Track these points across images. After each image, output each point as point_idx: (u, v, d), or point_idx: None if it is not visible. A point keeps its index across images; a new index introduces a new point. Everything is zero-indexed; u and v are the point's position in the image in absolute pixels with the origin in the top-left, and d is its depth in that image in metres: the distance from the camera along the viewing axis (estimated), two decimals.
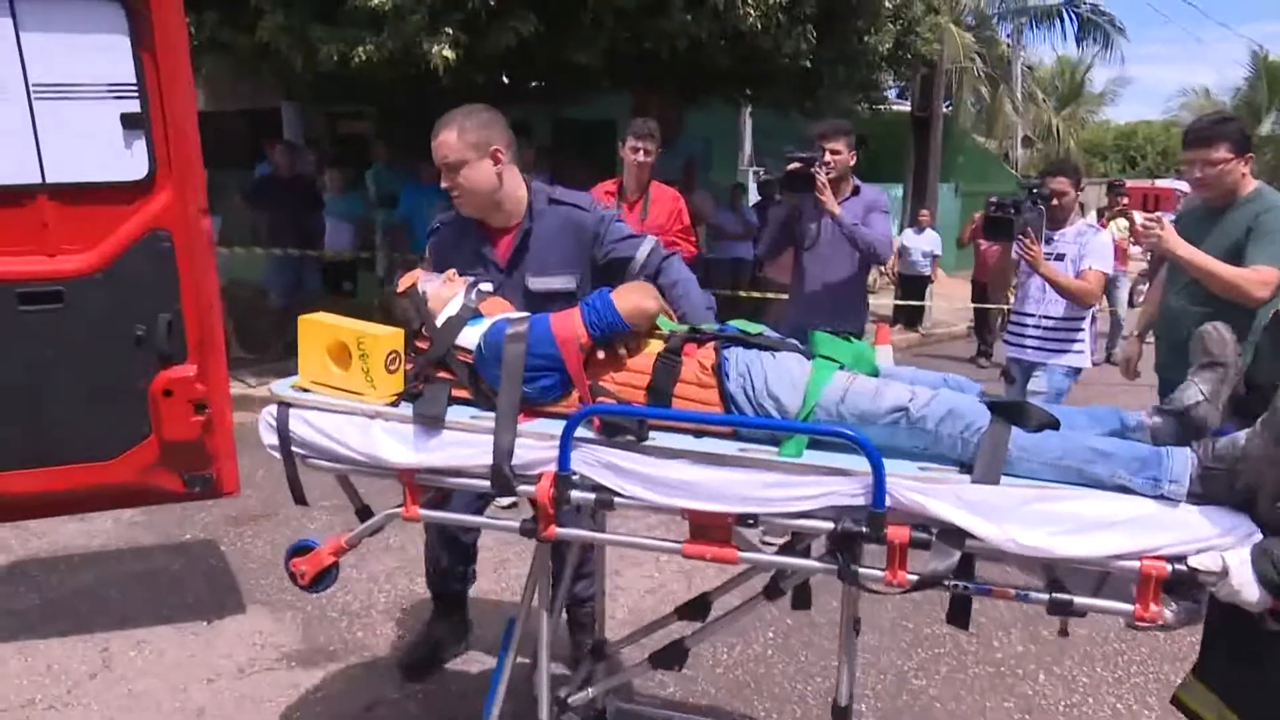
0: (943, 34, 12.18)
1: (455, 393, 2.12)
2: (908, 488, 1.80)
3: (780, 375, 2.04)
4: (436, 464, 2.04)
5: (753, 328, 2.24)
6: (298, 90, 9.75)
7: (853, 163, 4.37)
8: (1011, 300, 4.82)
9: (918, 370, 2.25)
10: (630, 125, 4.76)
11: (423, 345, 2.20)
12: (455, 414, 2.07)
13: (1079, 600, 1.82)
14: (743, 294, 9.35)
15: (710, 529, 1.98)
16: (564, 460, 1.96)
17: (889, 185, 11.50)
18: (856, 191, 4.37)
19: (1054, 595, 1.82)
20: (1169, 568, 1.69)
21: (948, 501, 1.77)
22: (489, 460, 1.99)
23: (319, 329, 2.19)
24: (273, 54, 6.87)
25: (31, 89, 2.95)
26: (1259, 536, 1.68)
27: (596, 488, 1.97)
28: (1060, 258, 4.31)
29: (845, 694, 2.24)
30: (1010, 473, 1.82)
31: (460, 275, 2.40)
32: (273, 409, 2.17)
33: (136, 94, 3.03)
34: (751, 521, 1.92)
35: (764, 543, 3.54)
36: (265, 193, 8.47)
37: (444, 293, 2.30)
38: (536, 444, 1.99)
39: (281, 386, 2.22)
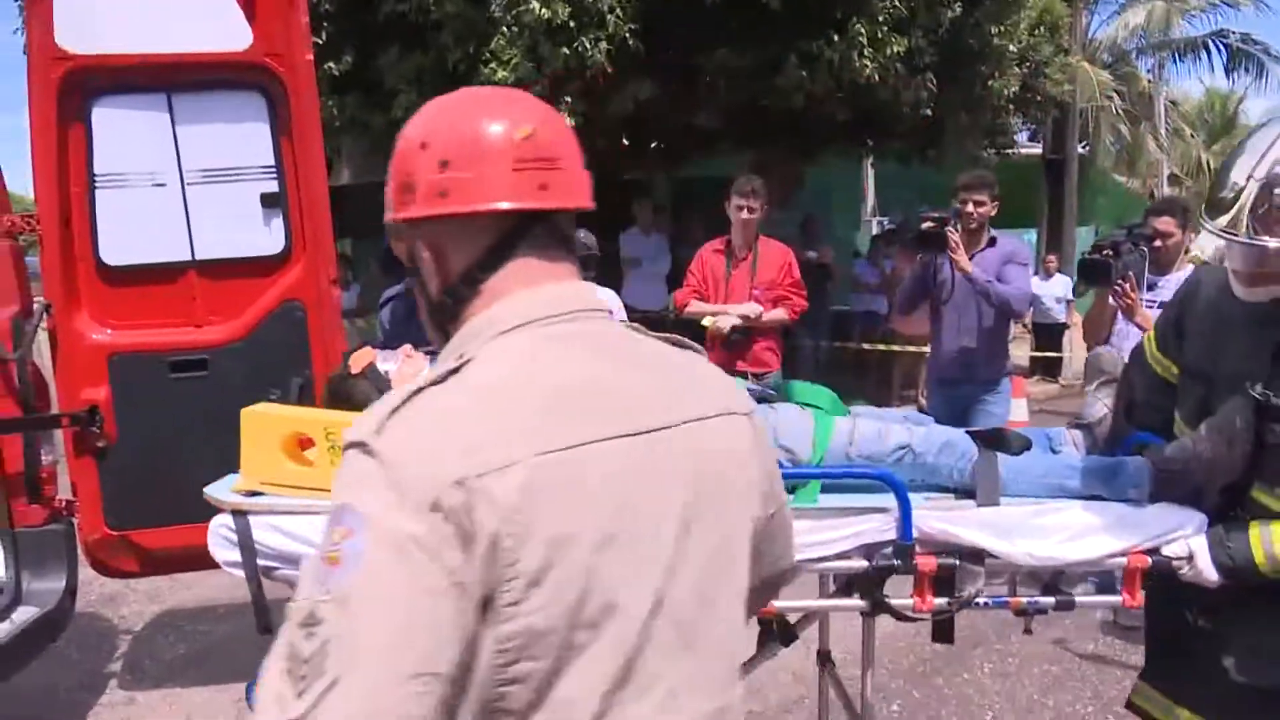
0: (1074, 74, 11.75)
1: None
2: (932, 518, 1.97)
3: (789, 427, 2.15)
4: None
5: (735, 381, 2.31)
6: None
7: (994, 213, 4.27)
8: None
9: (879, 410, 2.46)
10: (735, 183, 4.79)
11: None
12: None
13: (1080, 599, 2.08)
14: (867, 346, 9.15)
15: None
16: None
17: (1021, 230, 11.09)
18: (993, 242, 4.25)
19: (1059, 598, 2.08)
20: (1149, 559, 1.96)
21: (967, 526, 1.97)
22: None
23: (268, 422, 1.99)
24: None
25: (185, 175, 3.22)
26: (1206, 525, 1.96)
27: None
28: (1161, 306, 3.99)
29: None
30: (1005, 493, 2.04)
31: (416, 348, 2.31)
32: (227, 519, 1.94)
33: (275, 175, 3.26)
34: None
35: None
36: (396, 261, 8.91)
37: (407, 370, 2.22)
38: None
39: (221, 491, 2.01)
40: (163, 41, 3.10)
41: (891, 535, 1.95)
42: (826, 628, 2.59)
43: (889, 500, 1.95)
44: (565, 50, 6.38)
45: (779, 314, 4.75)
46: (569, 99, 6.53)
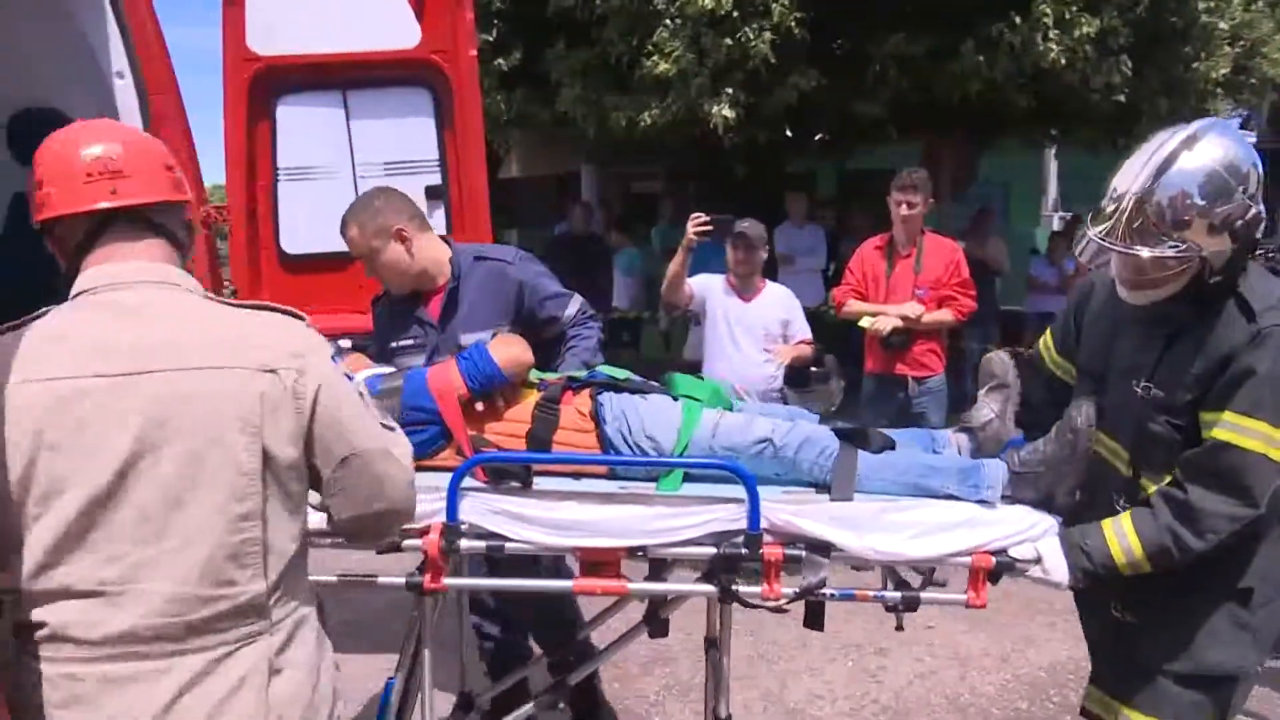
0: None
1: None
2: (780, 510, 2.04)
3: (656, 417, 2.23)
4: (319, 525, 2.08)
5: (620, 373, 2.43)
6: (594, 154, 10.45)
7: None
8: None
9: (765, 404, 2.56)
10: (896, 177, 4.57)
11: None
12: None
13: (924, 595, 2.11)
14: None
15: (602, 565, 2.12)
16: (452, 510, 2.02)
17: None
18: None
19: (904, 593, 2.11)
20: (994, 560, 2.01)
21: (815, 519, 2.03)
22: None
23: None
24: (570, 122, 7.42)
25: (357, 168, 3.38)
26: (1058, 528, 2.02)
27: (485, 536, 2.05)
28: None
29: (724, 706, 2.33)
30: (862, 489, 2.10)
31: (399, 339, 2.62)
32: None
33: (439, 168, 3.38)
34: (640, 554, 2.09)
35: None
36: (559, 251, 9.11)
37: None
38: (423, 497, 1.90)
39: None
40: (340, 41, 3.28)
41: (741, 525, 2.01)
42: (715, 617, 2.54)
43: (744, 491, 2.00)
44: (728, 41, 6.30)
45: (943, 315, 4.51)
46: (729, 90, 6.44)
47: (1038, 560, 1.98)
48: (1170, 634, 1.95)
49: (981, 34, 6.45)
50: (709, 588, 2.11)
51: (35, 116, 3.42)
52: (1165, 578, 1.91)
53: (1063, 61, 6.52)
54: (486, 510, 2.06)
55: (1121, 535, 1.90)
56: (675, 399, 2.32)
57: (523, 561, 2.34)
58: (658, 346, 9.62)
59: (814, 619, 2.20)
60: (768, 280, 4.56)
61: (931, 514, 2.05)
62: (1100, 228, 1.87)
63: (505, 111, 7.56)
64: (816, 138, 8.92)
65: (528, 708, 2.53)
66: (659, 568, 2.23)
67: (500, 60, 7.30)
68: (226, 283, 3.53)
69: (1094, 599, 2.11)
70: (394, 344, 2.71)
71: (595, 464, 2.20)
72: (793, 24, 6.27)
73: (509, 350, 2.31)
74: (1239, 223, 1.79)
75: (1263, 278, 1.92)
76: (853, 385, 4.77)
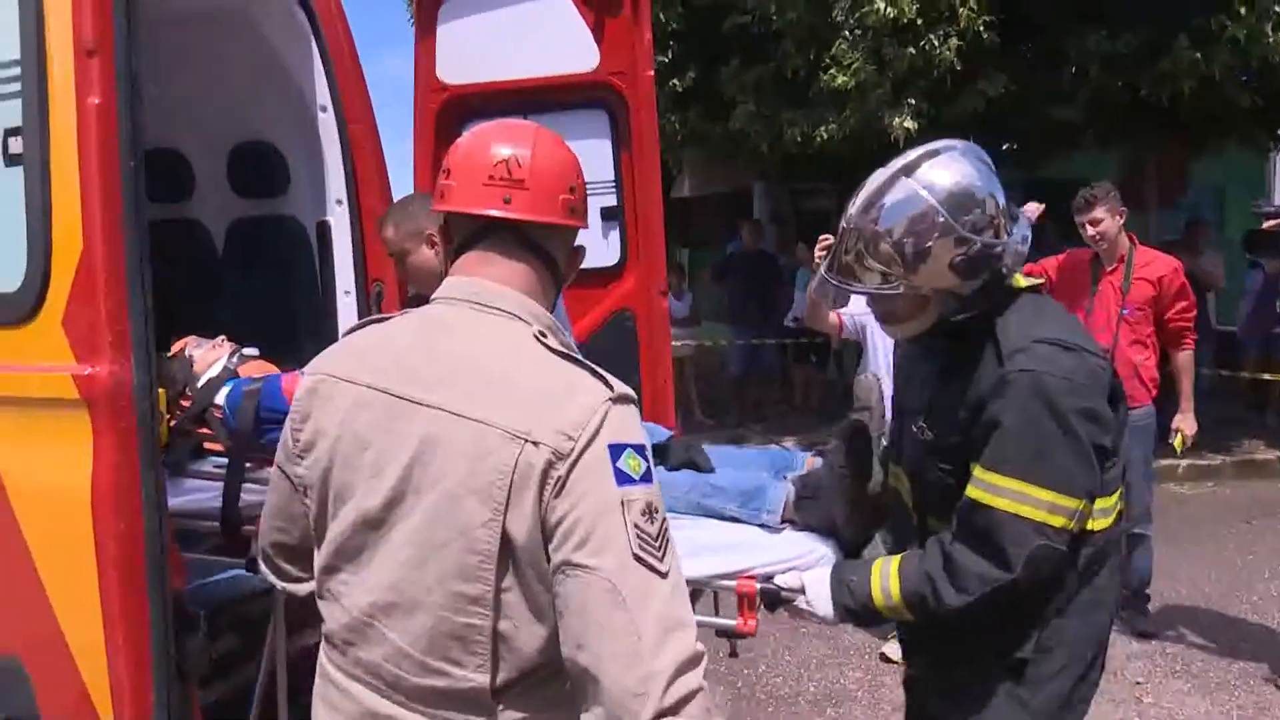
0: None
1: (210, 446, 2.37)
2: None
3: None
4: (180, 508, 2.11)
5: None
6: (767, 171, 10.34)
7: None
8: None
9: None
10: (1074, 200, 4.18)
11: (186, 404, 2.45)
12: (203, 466, 2.33)
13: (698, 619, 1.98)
14: (1268, 376, 7.68)
15: None
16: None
17: None
18: None
19: None
20: (758, 586, 1.94)
21: None
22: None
23: None
24: (743, 140, 7.36)
25: None
26: (834, 558, 1.96)
27: None
28: None
29: None
30: None
31: (232, 341, 2.64)
32: None
33: (614, 189, 3.38)
34: None
35: None
36: (728, 269, 9.04)
37: (209, 356, 2.54)
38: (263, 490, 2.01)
39: None
40: (522, 68, 3.35)
41: None
42: None
43: None
44: (911, 50, 6.06)
45: (1184, 363, 4.08)
46: (911, 100, 6.18)
47: (802, 590, 1.89)
48: (949, 700, 1.83)
49: (1197, 27, 5.88)
50: None
51: (249, 150, 3.70)
52: (941, 636, 1.80)
53: None
54: None
55: (885, 576, 1.77)
56: None
57: None
58: (838, 360, 9.36)
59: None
60: None
61: (703, 535, 2.02)
62: (827, 260, 1.82)
63: (679, 131, 7.60)
64: (1004, 147, 8.44)
65: None
66: None
67: (675, 80, 7.35)
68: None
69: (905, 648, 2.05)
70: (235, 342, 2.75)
71: None
72: (981, 28, 5.95)
73: None
74: (960, 259, 1.65)
75: (1029, 314, 1.72)
76: None
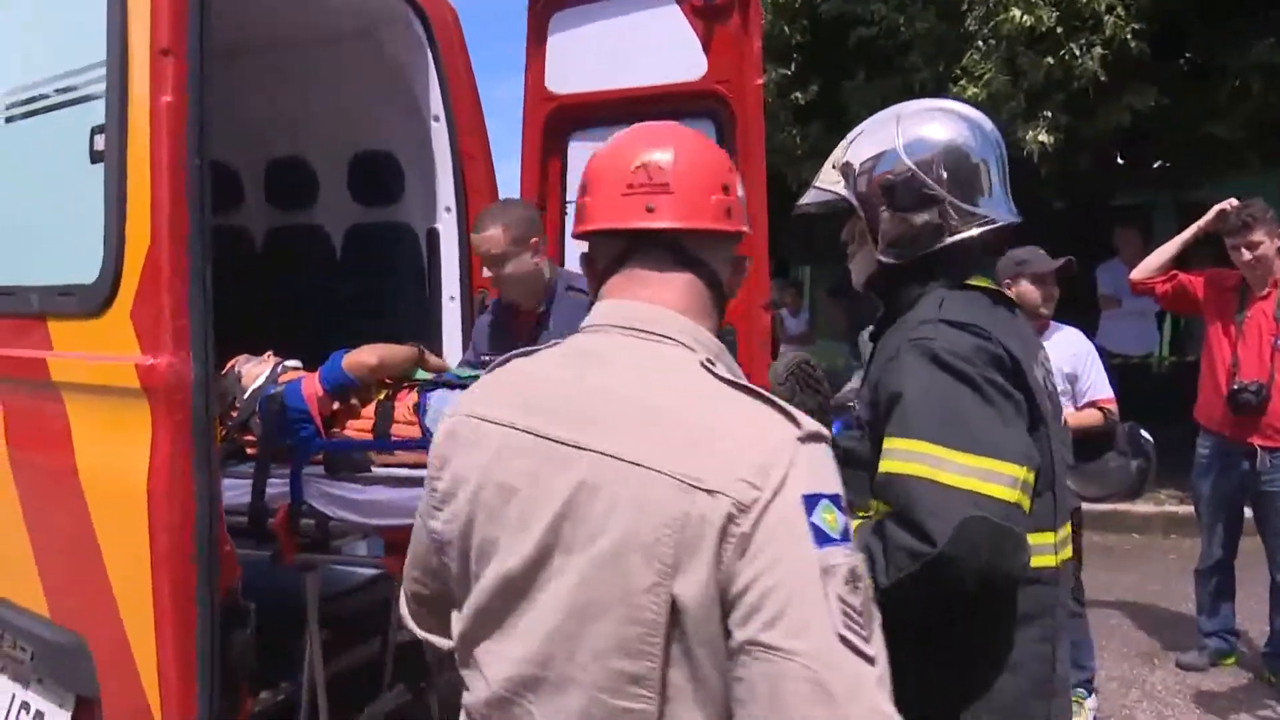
0: None
1: (252, 452, 2.52)
2: None
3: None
4: (227, 503, 2.23)
5: (468, 373, 2.66)
6: None
7: None
8: None
9: None
10: (1224, 223, 3.82)
11: (234, 414, 2.62)
12: (244, 468, 2.45)
13: None
14: None
15: (399, 545, 2.15)
16: (296, 494, 2.31)
17: None
18: None
19: None
20: None
21: None
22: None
23: None
24: None
25: None
26: None
27: (316, 514, 2.32)
28: None
29: None
30: None
31: (493, 352, 2.70)
32: None
33: None
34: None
35: None
36: (847, 287, 8.79)
37: (255, 370, 2.69)
38: (282, 484, 2.32)
39: None
40: (629, 77, 3.33)
41: None
42: None
43: None
44: (1049, 60, 5.74)
45: None
46: (1048, 113, 5.85)
47: None
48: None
49: None
50: None
51: (369, 159, 3.83)
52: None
53: None
54: (319, 494, 2.35)
55: None
56: None
57: None
58: None
59: None
60: (1055, 323, 3.76)
61: None
62: None
63: (800, 145, 7.46)
64: (1154, 165, 7.91)
65: None
66: None
67: (797, 93, 7.22)
68: None
69: None
70: (486, 356, 2.80)
71: (377, 448, 2.49)
72: (1128, 36, 5.58)
73: (357, 356, 2.55)
74: (893, 181, 1.66)
75: (950, 302, 1.62)
76: (1175, 447, 4.01)
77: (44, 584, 1.70)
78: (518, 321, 2.93)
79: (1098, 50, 5.61)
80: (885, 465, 1.50)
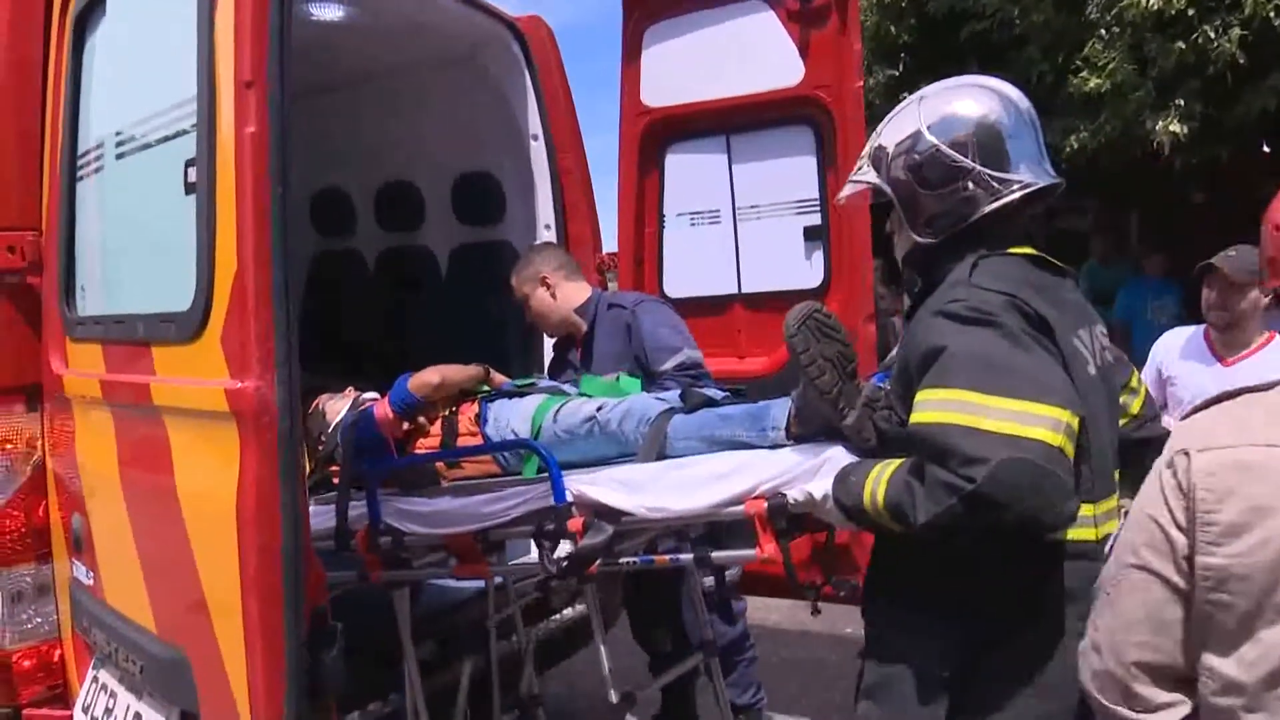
0: None
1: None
2: (577, 481, 2.12)
3: (516, 412, 2.48)
4: (317, 528, 2.25)
5: (524, 381, 2.73)
6: None
7: None
8: None
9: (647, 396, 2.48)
10: None
11: (320, 448, 2.70)
12: (330, 494, 2.47)
13: (714, 554, 2.15)
14: None
15: (463, 550, 2.33)
16: (373, 513, 2.32)
17: None
18: None
19: (696, 554, 2.17)
20: (766, 504, 1.93)
21: (603, 486, 2.11)
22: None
23: None
24: None
25: (737, 211, 3.36)
26: (842, 461, 1.84)
27: (392, 531, 2.32)
28: None
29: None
30: (674, 453, 2.14)
31: (560, 379, 2.86)
32: None
33: (819, 208, 3.22)
34: (482, 539, 2.29)
35: None
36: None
37: (336, 406, 2.74)
38: (363, 505, 2.35)
39: None
40: (725, 87, 3.28)
41: (552, 501, 2.12)
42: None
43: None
44: (1180, 45, 5.37)
45: None
46: (1180, 102, 5.47)
47: (810, 499, 1.85)
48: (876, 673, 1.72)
49: None
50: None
51: (471, 180, 3.91)
52: (897, 581, 1.70)
53: None
54: (394, 512, 2.36)
55: (877, 480, 1.62)
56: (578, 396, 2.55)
57: (656, 570, 2.41)
58: None
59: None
60: (1276, 333, 3.14)
61: (710, 465, 2.02)
62: None
63: None
64: None
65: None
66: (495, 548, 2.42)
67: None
68: None
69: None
70: (554, 384, 2.88)
71: (437, 459, 2.51)
72: (1270, 15, 5.16)
73: (421, 377, 2.59)
74: (924, 162, 1.68)
75: (981, 269, 1.61)
76: None
77: (150, 599, 1.79)
78: (576, 348, 3.13)
79: (1236, 31, 5.21)
80: (919, 416, 1.50)
